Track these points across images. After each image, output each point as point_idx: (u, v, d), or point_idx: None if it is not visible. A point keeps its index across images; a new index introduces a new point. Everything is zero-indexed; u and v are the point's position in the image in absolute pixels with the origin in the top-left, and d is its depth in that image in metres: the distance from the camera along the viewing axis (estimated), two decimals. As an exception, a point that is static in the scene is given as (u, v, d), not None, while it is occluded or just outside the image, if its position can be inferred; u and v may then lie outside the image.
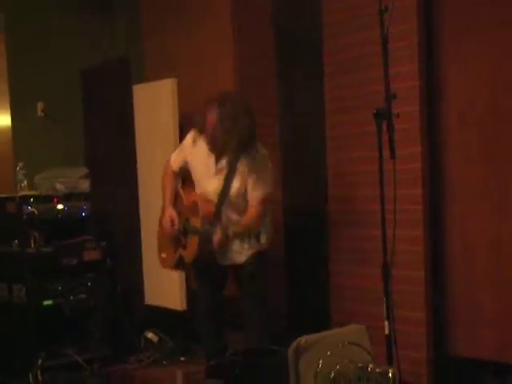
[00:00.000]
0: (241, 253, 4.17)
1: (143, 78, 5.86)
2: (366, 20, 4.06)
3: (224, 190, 4.14)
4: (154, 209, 5.42)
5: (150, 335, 5.40)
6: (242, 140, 4.01)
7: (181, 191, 4.40)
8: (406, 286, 4.00)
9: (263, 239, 3.93)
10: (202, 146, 4.22)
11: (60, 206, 5.14)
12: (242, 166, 4.12)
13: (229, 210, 4.17)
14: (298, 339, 3.13)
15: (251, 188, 4.12)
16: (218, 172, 4.19)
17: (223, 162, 4.15)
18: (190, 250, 4.21)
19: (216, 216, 4.10)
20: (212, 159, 4.19)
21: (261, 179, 4.11)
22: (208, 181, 4.23)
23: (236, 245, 4.12)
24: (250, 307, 4.34)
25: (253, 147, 4.11)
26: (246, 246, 4.08)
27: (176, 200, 4.40)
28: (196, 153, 4.29)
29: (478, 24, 3.86)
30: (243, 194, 4.15)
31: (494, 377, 3.88)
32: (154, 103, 5.35)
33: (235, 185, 4.13)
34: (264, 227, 4.08)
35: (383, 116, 3.31)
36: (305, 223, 4.78)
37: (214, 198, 4.15)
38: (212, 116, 4.05)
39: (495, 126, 3.82)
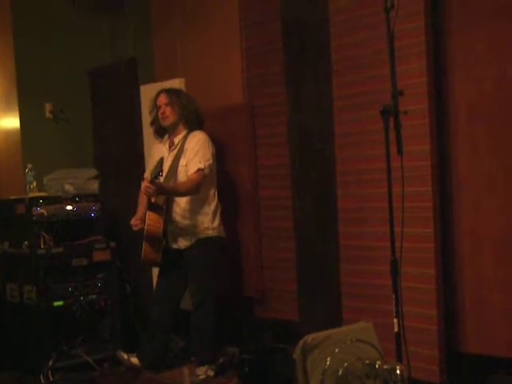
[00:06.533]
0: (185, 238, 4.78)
1: (153, 78, 5.86)
2: (374, 18, 4.05)
3: (172, 166, 4.78)
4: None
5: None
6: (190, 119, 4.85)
7: None
8: (418, 284, 3.98)
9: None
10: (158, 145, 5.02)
11: (69, 207, 5.15)
12: (187, 145, 4.77)
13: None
14: (305, 337, 3.12)
15: (188, 163, 4.72)
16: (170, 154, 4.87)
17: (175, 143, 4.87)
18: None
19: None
20: (166, 146, 4.92)
21: (196, 156, 4.71)
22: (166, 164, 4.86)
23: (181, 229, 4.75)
24: (192, 294, 4.82)
25: (196, 129, 4.85)
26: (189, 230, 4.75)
27: None
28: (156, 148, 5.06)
29: (486, 15, 3.83)
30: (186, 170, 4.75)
31: (506, 373, 3.86)
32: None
33: (182, 162, 4.75)
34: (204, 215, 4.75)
35: (390, 113, 3.31)
36: (314, 222, 4.76)
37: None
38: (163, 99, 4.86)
39: (503, 119, 3.80)
